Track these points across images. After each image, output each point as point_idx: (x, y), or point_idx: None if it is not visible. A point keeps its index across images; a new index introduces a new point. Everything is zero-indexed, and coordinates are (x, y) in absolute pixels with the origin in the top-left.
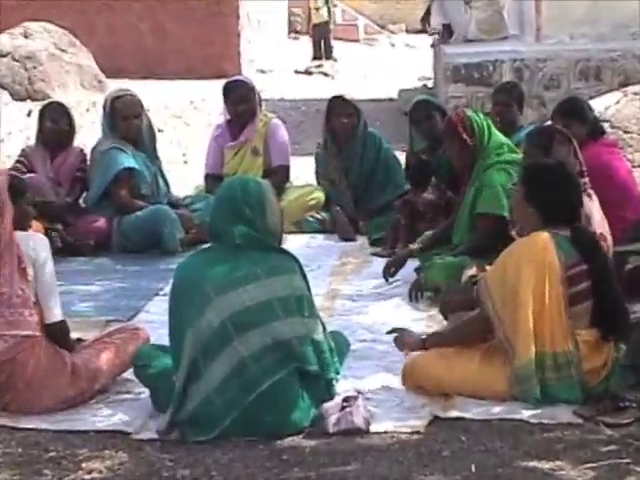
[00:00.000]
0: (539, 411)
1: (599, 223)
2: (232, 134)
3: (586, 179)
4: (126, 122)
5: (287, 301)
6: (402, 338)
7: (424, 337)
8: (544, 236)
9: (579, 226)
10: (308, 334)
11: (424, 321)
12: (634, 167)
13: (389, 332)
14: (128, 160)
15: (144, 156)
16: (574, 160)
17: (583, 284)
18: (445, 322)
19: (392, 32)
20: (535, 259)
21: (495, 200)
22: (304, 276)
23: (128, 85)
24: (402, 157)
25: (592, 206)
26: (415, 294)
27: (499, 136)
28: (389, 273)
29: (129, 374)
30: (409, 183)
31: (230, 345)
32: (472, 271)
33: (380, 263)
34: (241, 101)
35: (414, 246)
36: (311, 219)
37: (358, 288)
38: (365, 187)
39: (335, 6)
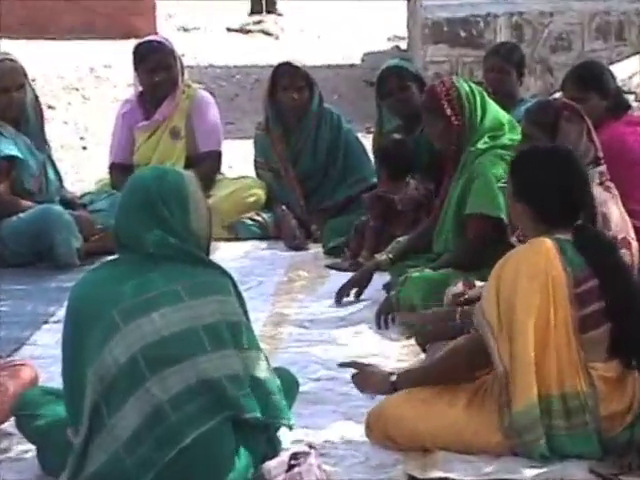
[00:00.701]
0: (545, 469)
1: (620, 225)
2: (145, 111)
3: (603, 167)
4: (5, 96)
5: (217, 329)
6: (364, 376)
7: (394, 376)
8: (546, 243)
9: (581, 225)
10: (247, 371)
11: (396, 354)
12: None
13: (342, 365)
14: (7, 146)
15: (29, 141)
16: (587, 143)
17: (596, 304)
18: (423, 355)
19: None
20: (536, 273)
21: (489, 197)
22: (239, 296)
23: (7, 47)
24: (368, 141)
25: (611, 203)
26: (385, 319)
27: (497, 112)
28: (345, 295)
29: (10, 426)
30: (380, 174)
31: (142, 387)
32: (457, 289)
33: (339, 278)
34: (157, 68)
35: (382, 256)
36: (249, 222)
37: (311, 311)
38: (319, 180)
39: None
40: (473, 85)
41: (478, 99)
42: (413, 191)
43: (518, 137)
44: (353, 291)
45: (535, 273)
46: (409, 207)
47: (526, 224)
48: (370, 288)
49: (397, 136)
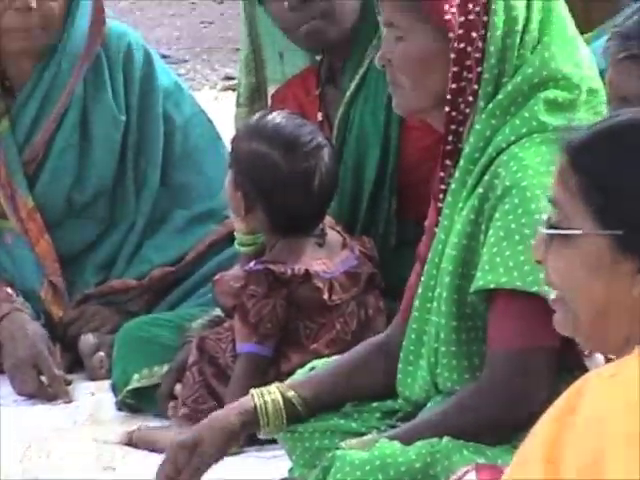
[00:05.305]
0: None
1: None
2: None
3: None
4: None
5: None
6: None
7: None
8: None
9: None
10: None
11: None
12: None
13: None
14: None
15: None
16: None
17: None
18: None
19: None
20: None
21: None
22: None
23: None
24: (226, 116)
25: None
26: None
27: (569, 37)
28: None
29: None
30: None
31: None
32: None
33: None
34: None
35: (271, 394)
36: None
37: None
38: (100, 217)
39: None
40: None
41: None
42: (347, 256)
43: (601, 100)
44: None
45: None
46: (343, 295)
47: (626, 309)
48: None
49: (299, 120)
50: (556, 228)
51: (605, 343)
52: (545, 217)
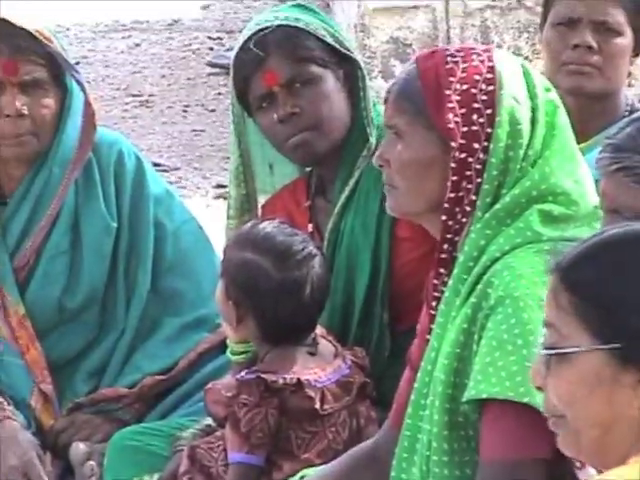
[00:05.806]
0: None
1: None
2: None
3: None
4: None
5: None
6: None
7: None
8: None
9: None
10: None
11: None
12: None
13: None
14: None
15: None
16: None
17: None
18: None
19: None
20: None
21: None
22: None
23: None
24: (218, 227)
25: None
26: None
27: (568, 152)
28: None
29: None
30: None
31: None
32: None
33: None
34: None
35: None
36: None
37: None
38: (89, 325)
39: None
40: (533, 71)
41: (544, 109)
42: (339, 365)
43: (599, 217)
44: None
45: None
46: (335, 404)
47: (629, 422)
48: None
49: (290, 229)
50: (553, 349)
51: (608, 459)
52: (541, 340)
